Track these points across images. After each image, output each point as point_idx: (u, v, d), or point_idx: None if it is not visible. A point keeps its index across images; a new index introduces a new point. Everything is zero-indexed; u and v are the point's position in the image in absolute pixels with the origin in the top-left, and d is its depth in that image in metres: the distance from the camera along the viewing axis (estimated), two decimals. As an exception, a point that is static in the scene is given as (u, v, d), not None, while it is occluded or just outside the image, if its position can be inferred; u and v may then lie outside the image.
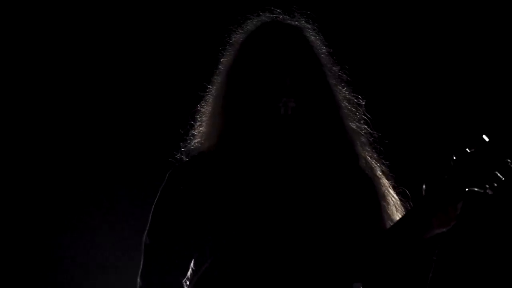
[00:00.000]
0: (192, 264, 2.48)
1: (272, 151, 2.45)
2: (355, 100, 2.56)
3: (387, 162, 2.54)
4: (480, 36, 4.05)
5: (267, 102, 2.41)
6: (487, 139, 2.26)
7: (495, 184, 2.25)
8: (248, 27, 2.51)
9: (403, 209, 2.50)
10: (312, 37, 2.51)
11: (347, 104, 2.53)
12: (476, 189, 2.27)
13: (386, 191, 2.51)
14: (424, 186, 2.32)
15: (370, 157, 2.53)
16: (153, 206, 2.49)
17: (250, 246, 2.39)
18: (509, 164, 2.24)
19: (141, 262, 2.48)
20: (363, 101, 2.56)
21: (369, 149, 2.54)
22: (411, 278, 2.39)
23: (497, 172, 2.25)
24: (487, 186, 2.26)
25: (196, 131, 2.56)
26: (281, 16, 2.51)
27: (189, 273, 2.48)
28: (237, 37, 2.52)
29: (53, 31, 4.09)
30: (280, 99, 2.40)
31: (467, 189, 2.28)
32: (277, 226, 2.40)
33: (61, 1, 4.09)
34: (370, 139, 2.55)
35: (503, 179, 2.24)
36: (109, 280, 4.07)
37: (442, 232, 2.33)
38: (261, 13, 2.51)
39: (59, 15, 4.09)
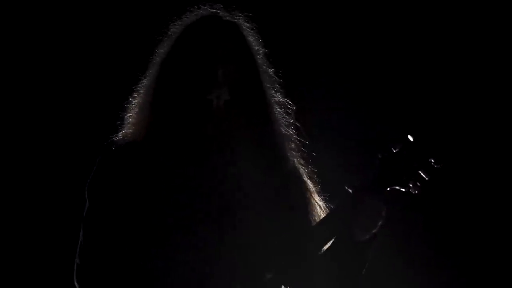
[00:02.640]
0: None
1: (200, 146, 2.42)
2: (286, 105, 2.56)
3: (314, 169, 2.54)
4: (406, 36, 4.15)
5: (197, 93, 2.40)
6: (411, 139, 2.29)
7: (419, 184, 2.27)
8: (186, 19, 2.50)
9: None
10: (250, 36, 2.51)
11: (277, 108, 2.54)
12: (399, 188, 2.29)
13: (311, 195, 2.50)
14: (347, 188, 2.33)
15: (297, 161, 2.53)
16: (86, 207, 2.43)
17: (176, 251, 2.35)
18: (432, 164, 2.27)
19: (75, 265, 2.41)
20: (293, 107, 2.56)
21: (296, 154, 2.53)
22: (342, 278, 2.37)
23: (420, 172, 2.28)
24: (410, 185, 2.28)
25: (125, 122, 2.52)
26: (221, 12, 2.51)
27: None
28: (175, 29, 2.51)
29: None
30: (211, 91, 2.39)
31: (389, 188, 2.29)
32: (198, 226, 2.36)
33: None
34: (298, 145, 2.54)
35: (426, 178, 2.27)
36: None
37: (372, 234, 2.32)
38: (201, 7, 2.51)
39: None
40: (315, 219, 2.46)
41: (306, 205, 2.48)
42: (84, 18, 4.11)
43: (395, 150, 2.30)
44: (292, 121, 2.55)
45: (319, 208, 2.49)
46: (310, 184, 2.51)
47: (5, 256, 4.14)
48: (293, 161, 2.52)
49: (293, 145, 2.53)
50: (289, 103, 2.56)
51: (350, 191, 2.31)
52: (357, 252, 2.33)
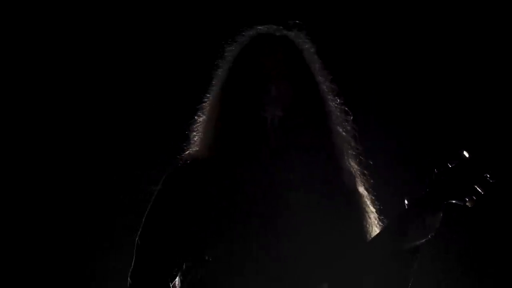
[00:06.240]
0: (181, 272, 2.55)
1: (259, 162, 2.50)
2: (344, 113, 2.61)
3: (370, 179, 2.61)
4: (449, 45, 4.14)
5: (253, 112, 2.47)
6: (467, 155, 2.35)
7: (475, 198, 2.33)
8: (242, 39, 2.57)
9: (381, 224, 2.56)
10: (305, 48, 2.57)
11: (338, 113, 2.59)
12: (455, 201, 2.35)
13: (366, 206, 2.57)
14: (406, 201, 2.40)
15: (354, 172, 2.59)
16: (147, 209, 2.56)
17: (234, 260, 2.45)
18: (488, 178, 2.32)
19: (133, 262, 2.54)
20: (351, 115, 2.61)
21: (354, 163, 2.59)
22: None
23: (476, 186, 2.33)
24: (466, 199, 2.34)
25: (192, 139, 2.62)
26: (275, 27, 2.57)
27: (177, 280, 2.55)
28: (231, 50, 2.58)
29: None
30: (264, 109, 2.46)
31: (446, 202, 2.35)
32: (261, 238, 2.45)
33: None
34: (356, 154, 2.60)
35: (482, 193, 2.32)
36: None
37: (421, 243, 2.39)
38: (256, 26, 2.57)
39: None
40: (370, 230, 2.54)
41: (361, 216, 2.55)
42: (148, 43, 4.17)
43: (451, 165, 2.35)
44: (350, 128, 2.61)
45: (373, 219, 2.56)
46: (366, 195, 2.58)
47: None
48: (350, 171, 2.58)
49: (351, 152, 2.60)
50: (347, 111, 2.62)
51: (408, 203, 2.38)
52: (403, 263, 2.41)
